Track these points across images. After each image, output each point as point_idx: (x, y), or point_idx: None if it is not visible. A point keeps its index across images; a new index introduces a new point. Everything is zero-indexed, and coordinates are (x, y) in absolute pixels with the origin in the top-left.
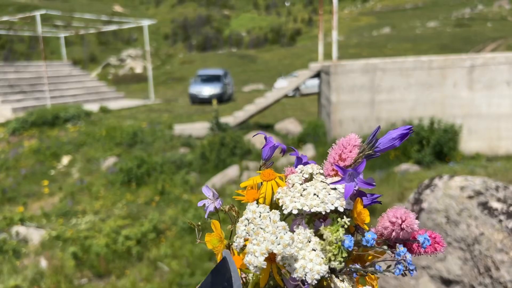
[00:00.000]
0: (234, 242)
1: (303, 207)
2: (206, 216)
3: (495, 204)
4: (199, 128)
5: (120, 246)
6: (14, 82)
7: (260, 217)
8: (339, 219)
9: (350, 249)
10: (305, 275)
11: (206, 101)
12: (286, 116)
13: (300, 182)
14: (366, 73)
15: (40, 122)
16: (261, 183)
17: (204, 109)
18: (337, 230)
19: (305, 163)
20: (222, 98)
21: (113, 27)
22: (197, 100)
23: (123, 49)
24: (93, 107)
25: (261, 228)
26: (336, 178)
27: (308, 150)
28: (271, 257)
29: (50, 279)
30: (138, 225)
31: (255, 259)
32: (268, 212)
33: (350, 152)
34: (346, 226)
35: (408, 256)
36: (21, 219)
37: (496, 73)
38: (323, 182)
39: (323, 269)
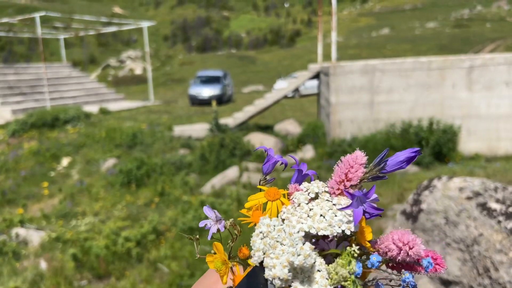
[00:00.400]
0: (253, 256)
1: (310, 229)
2: (209, 238)
3: (494, 205)
4: (198, 129)
5: (120, 248)
6: (14, 84)
7: (274, 230)
8: (348, 248)
9: (359, 276)
10: None
11: (206, 102)
12: (286, 117)
13: (306, 201)
14: (365, 74)
15: (40, 123)
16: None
17: (204, 110)
18: (350, 262)
19: (305, 175)
20: (221, 99)
21: (112, 29)
22: (196, 101)
23: (122, 50)
24: (93, 108)
25: (278, 241)
26: (343, 199)
27: (308, 151)
28: None
29: (50, 280)
30: (137, 226)
31: (281, 271)
32: (281, 225)
33: (356, 171)
34: (355, 255)
35: (412, 279)
36: (21, 221)
37: (495, 73)
38: (329, 201)
39: None
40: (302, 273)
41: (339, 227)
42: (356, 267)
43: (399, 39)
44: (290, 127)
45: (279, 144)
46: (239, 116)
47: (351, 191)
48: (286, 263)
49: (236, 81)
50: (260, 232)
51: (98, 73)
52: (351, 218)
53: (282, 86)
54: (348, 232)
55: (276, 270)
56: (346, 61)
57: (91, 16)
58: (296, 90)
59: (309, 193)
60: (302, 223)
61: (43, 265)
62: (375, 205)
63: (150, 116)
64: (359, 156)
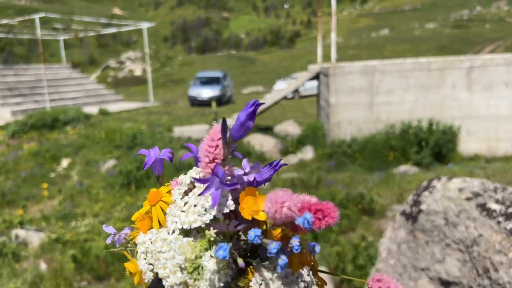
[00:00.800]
0: (144, 278)
1: (183, 225)
2: (114, 253)
3: (494, 206)
4: (198, 130)
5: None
6: (14, 85)
7: (152, 243)
8: (206, 232)
9: (227, 259)
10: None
11: (206, 103)
12: (285, 118)
13: (181, 196)
14: (365, 74)
15: (40, 125)
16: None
17: (204, 111)
18: (199, 246)
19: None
20: (221, 100)
21: (112, 30)
22: (196, 102)
23: (122, 51)
24: (93, 109)
25: (159, 252)
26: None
27: (308, 152)
28: None
29: (49, 282)
30: None
31: (175, 278)
32: (156, 234)
33: (217, 148)
34: (212, 239)
35: (295, 242)
36: (21, 222)
37: (494, 74)
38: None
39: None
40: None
41: (210, 214)
42: (221, 251)
43: (399, 40)
44: (290, 128)
45: (279, 145)
46: None
47: (200, 178)
48: (175, 268)
49: (236, 82)
50: (142, 253)
51: (98, 74)
52: (225, 200)
53: (282, 87)
54: (219, 216)
55: (170, 279)
56: (346, 62)
57: (90, 17)
58: (296, 91)
59: (182, 186)
60: (175, 222)
61: (42, 266)
62: (240, 178)
63: (150, 117)
64: (217, 131)
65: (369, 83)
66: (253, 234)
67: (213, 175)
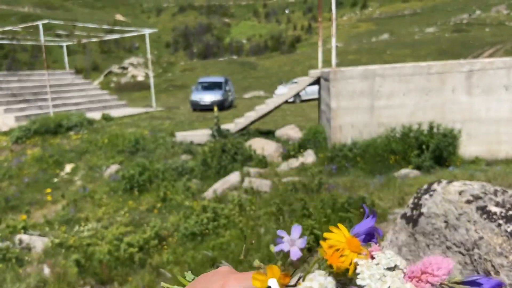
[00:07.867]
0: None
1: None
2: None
3: (494, 208)
4: (200, 135)
5: (123, 253)
6: (17, 91)
7: None
8: None
9: None
10: None
11: (207, 108)
12: (287, 122)
13: (385, 267)
14: (366, 79)
15: (43, 130)
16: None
17: (205, 116)
18: None
19: (370, 233)
20: (223, 105)
21: (115, 36)
22: (198, 107)
23: (125, 57)
24: (96, 115)
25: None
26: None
27: (309, 156)
28: None
29: (53, 286)
30: (140, 232)
31: None
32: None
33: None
34: None
35: None
36: (24, 227)
37: (494, 77)
38: (400, 280)
39: None
40: None
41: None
42: None
43: (399, 44)
44: (291, 132)
45: (280, 149)
46: (241, 122)
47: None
48: None
49: (237, 87)
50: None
51: (101, 79)
52: None
53: (283, 92)
54: None
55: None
56: (346, 67)
57: (93, 24)
58: (297, 95)
59: (389, 262)
60: (371, 278)
61: (46, 271)
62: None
63: (152, 122)
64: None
65: (369, 87)
66: None
67: None
